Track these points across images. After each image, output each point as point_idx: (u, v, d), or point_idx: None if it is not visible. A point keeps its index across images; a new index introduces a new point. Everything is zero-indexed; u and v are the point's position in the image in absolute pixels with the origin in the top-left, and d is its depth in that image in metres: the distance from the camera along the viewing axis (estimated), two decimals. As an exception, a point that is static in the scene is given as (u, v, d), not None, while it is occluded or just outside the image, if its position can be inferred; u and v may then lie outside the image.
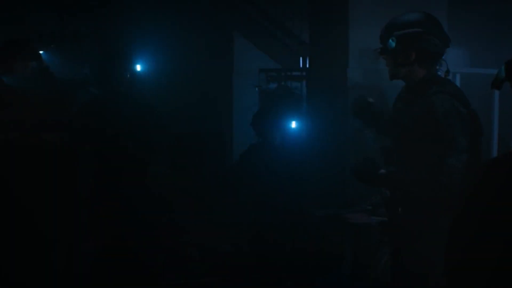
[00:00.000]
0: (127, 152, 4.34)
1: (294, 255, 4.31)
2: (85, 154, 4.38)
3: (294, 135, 4.67)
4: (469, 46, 5.75)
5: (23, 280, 4.18)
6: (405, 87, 3.11)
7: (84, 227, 4.44)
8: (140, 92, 5.10)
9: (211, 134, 7.83)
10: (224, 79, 8.04)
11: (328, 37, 4.85)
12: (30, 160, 4.30)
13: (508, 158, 1.93)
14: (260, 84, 7.34)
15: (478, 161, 2.89)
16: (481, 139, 3.02)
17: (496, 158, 2.61)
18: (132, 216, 4.28)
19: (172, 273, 4.88)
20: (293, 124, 4.68)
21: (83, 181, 4.42)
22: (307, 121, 4.90)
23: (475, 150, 2.91)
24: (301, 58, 7.52)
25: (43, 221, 4.30)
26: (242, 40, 7.97)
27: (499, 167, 1.89)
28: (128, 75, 4.54)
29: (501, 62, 2.11)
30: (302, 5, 6.35)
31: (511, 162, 1.89)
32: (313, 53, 5.31)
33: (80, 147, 4.37)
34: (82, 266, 4.49)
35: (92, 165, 4.37)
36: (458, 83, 4.65)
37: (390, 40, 2.99)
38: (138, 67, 5.85)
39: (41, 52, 5.39)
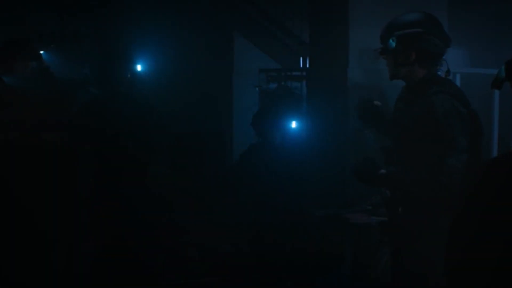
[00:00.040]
0: (127, 152, 4.34)
1: (294, 255, 4.31)
2: (85, 154, 4.38)
3: (294, 135, 4.67)
4: (469, 46, 5.75)
5: (23, 280, 4.17)
6: (405, 87, 3.11)
7: (84, 227, 4.44)
8: (140, 92, 5.10)
9: (211, 134, 7.83)
10: (224, 79, 8.04)
11: (328, 37, 4.85)
12: (30, 160, 4.30)
13: (508, 158, 1.93)
14: (260, 84, 7.34)
15: (478, 161, 2.89)
16: (481, 139, 3.02)
17: (496, 158, 2.61)
18: (132, 216, 4.28)
19: (172, 273, 4.88)
20: (293, 124, 4.68)
21: (83, 181, 4.42)
22: (307, 121, 4.90)
23: (475, 150, 2.91)
24: (301, 58, 7.52)
25: (43, 221, 4.30)
26: (242, 40, 7.97)
27: (499, 167, 1.89)
28: (129, 75, 4.54)
29: (501, 62, 2.11)
30: (302, 5, 6.35)
31: (511, 162, 1.89)
32: (313, 53, 5.31)
33: (80, 147, 4.37)
34: (82, 266, 4.48)
35: (92, 165, 4.37)
36: (458, 83, 4.65)
37: (391, 40, 2.99)
38: (139, 67, 5.85)
39: (41, 52, 5.39)
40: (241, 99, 7.76)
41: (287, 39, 7.69)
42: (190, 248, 5.27)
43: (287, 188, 4.40)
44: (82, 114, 4.46)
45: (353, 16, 4.56)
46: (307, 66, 6.59)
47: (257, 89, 7.31)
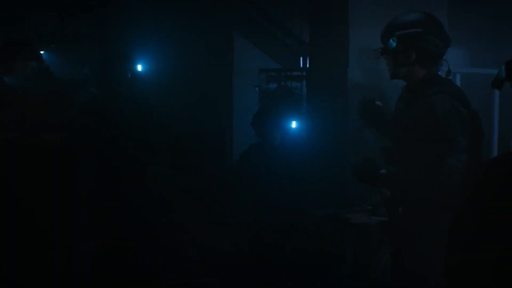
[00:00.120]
0: (127, 152, 4.34)
1: (294, 255, 4.31)
2: (85, 154, 4.38)
3: (294, 135, 4.67)
4: (469, 46, 5.75)
5: (23, 280, 4.18)
6: (406, 87, 3.11)
7: (84, 227, 4.44)
8: (140, 92, 5.10)
9: (211, 134, 7.84)
10: (224, 79, 8.04)
11: (328, 37, 4.85)
12: (30, 160, 4.30)
13: (508, 158, 1.93)
14: (260, 84, 7.34)
15: (478, 161, 2.89)
16: (481, 139, 3.02)
17: (496, 158, 2.61)
18: (132, 216, 4.28)
19: (172, 273, 4.88)
20: (293, 124, 4.68)
21: (83, 181, 4.42)
22: (307, 121, 4.90)
23: (475, 150, 2.91)
24: (301, 58, 7.52)
25: (43, 221, 4.30)
26: (242, 40, 7.97)
27: (499, 167, 1.89)
28: (129, 75, 4.54)
29: (501, 62, 2.11)
30: (302, 5, 6.35)
31: (511, 162, 1.89)
32: (313, 53, 5.31)
33: (80, 147, 4.37)
34: (82, 266, 4.49)
35: (92, 165, 4.37)
36: (458, 83, 4.65)
37: (391, 40, 2.99)
38: (139, 67, 5.85)
39: (41, 52, 5.40)
40: (241, 99, 7.76)
41: (287, 39, 7.69)
42: (190, 248, 5.28)
43: (287, 188, 4.40)
44: (82, 114, 4.46)
45: (353, 16, 4.56)
46: (307, 66, 6.59)
47: (257, 89, 7.31)
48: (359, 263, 4.31)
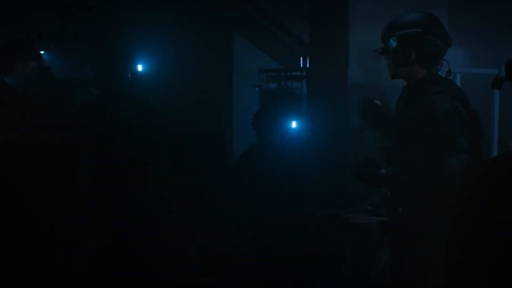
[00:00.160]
0: (127, 152, 4.34)
1: (294, 255, 4.31)
2: (85, 154, 4.38)
3: (294, 135, 4.67)
4: (469, 46, 5.75)
5: (23, 280, 4.18)
6: (406, 87, 3.11)
7: (84, 227, 4.44)
8: (140, 92, 5.10)
9: (211, 134, 7.84)
10: (224, 79, 8.05)
11: (328, 37, 4.85)
12: (30, 160, 4.30)
13: (508, 158, 1.93)
14: (260, 84, 7.34)
15: (478, 161, 2.89)
16: (481, 139, 3.02)
17: (496, 158, 2.61)
18: (132, 216, 4.28)
19: (172, 273, 4.88)
20: (293, 124, 4.68)
21: (83, 181, 4.42)
22: (307, 121, 4.90)
23: (475, 150, 2.91)
24: (301, 58, 7.52)
25: (43, 221, 4.30)
26: (242, 40, 7.97)
27: (499, 167, 1.89)
28: (129, 75, 4.54)
29: (501, 62, 2.11)
30: (302, 5, 6.35)
31: (511, 162, 1.89)
32: (313, 53, 5.31)
33: (80, 147, 4.37)
34: (82, 266, 4.49)
35: (92, 165, 4.37)
36: (458, 83, 4.65)
37: (391, 40, 2.99)
38: (139, 67, 5.85)
39: (41, 52, 5.40)
40: (241, 99, 7.76)
41: (287, 39, 7.69)
42: (190, 248, 5.28)
43: (287, 188, 4.40)
44: (82, 114, 4.46)
45: (353, 16, 4.56)
46: (307, 66, 6.60)
47: (257, 89, 7.32)
48: (359, 263, 4.31)
